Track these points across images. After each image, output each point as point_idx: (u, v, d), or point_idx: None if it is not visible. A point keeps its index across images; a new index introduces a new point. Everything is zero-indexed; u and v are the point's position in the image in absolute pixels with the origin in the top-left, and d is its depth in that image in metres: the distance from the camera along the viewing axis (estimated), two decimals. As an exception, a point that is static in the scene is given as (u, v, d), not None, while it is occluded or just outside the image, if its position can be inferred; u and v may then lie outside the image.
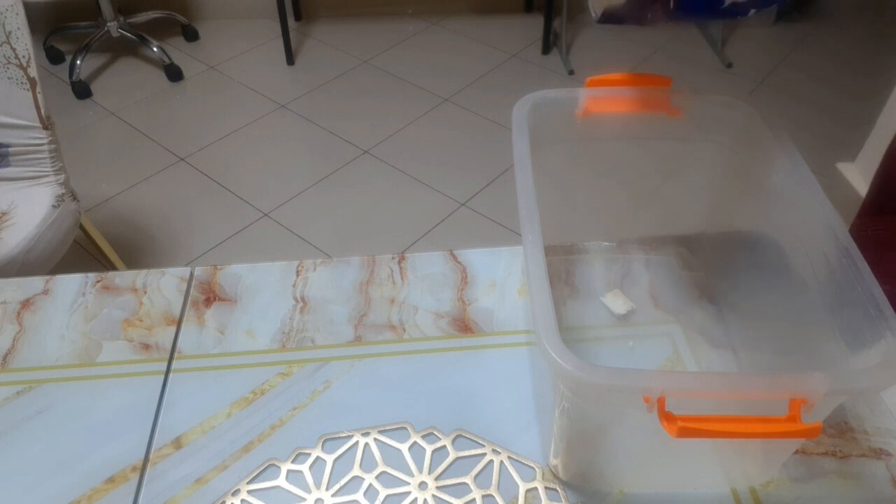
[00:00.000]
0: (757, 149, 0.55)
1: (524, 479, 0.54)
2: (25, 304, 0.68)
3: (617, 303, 0.65)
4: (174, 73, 2.45)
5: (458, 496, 0.53)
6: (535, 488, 0.53)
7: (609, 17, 0.51)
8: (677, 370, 0.60)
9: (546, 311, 0.42)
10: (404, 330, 0.65)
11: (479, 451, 0.56)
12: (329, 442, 0.56)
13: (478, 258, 0.72)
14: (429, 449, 0.56)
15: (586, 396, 0.44)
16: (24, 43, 1.17)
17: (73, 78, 2.34)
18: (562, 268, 0.69)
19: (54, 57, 2.54)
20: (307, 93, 2.38)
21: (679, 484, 0.53)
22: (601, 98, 0.56)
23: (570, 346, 0.40)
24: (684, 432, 0.38)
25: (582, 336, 0.63)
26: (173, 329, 0.65)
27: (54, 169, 1.28)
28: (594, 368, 0.39)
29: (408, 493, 0.53)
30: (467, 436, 0.57)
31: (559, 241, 0.71)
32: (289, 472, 0.54)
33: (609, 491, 0.53)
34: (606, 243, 0.71)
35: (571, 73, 2.42)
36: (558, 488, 0.53)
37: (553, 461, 0.53)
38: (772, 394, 0.39)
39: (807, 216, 0.49)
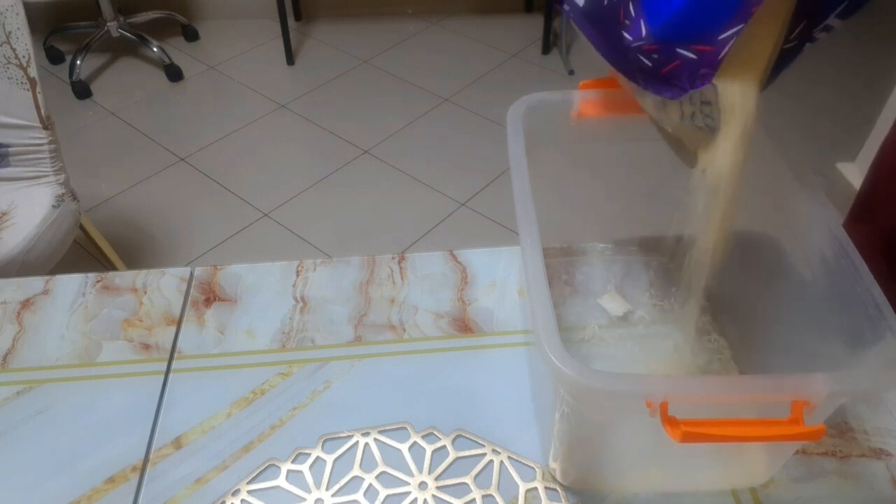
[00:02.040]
0: (755, 149, 0.55)
1: (524, 479, 0.54)
2: (25, 304, 0.68)
3: (614, 305, 0.65)
4: (174, 73, 2.45)
5: (457, 496, 0.53)
6: (535, 488, 0.53)
7: None
8: (679, 375, 0.59)
9: (546, 315, 0.41)
10: (404, 330, 0.65)
11: (479, 451, 0.56)
12: (329, 442, 0.56)
13: (478, 258, 0.72)
14: (429, 449, 0.56)
15: (587, 401, 0.44)
16: (24, 43, 1.17)
17: (73, 78, 2.34)
18: (560, 269, 0.69)
19: (54, 57, 2.54)
20: (307, 93, 2.38)
21: (679, 485, 0.53)
22: (596, 100, 0.55)
23: (568, 348, 0.40)
24: (688, 437, 0.38)
25: (580, 337, 0.63)
26: (173, 329, 0.65)
27: (54, 169, 1.28)
28: (596, 374, 0.39)
29: (408, 493, 0.53)
30: (467, 436, 0.57)
31: (557, 242, 0.71)
32: (289, 472, 0.54)
33: (609, 493, 0.53)
34: (605, 244, 0.71)
35: (571, 73, 2.42)
36: (558, 488, 0.53)
37: (552, 464, 0.53)
38: (774, 396, 0.39)
39: (806, 216, 0.49)
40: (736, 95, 0.42)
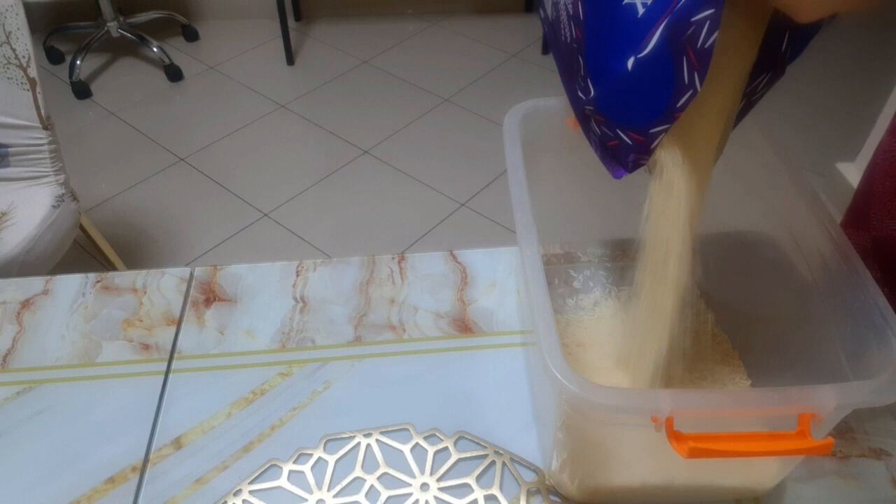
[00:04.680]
0: (753, 150, 0.55)
1: (526, 480, 0.54)
2: (25, 304, 0.68)
3: (612, 310, 0.65)
4: (174, 73, 2.45)
5: (459, 497, 0.53)
6: (537, 489, 0.53)
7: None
8: (685, 389, 0.59)
9: (548, 328, 0.41)
10: (404, 330, 0.65)
11: (481, 452, 0.55)
12: (331, 443, 0.56)
13: (478, 258, 0.72)
14: (431, 450, 0.56)
15: (592, 416, 0.43)
16: (24, 43, 1.17)
17: (73, 78, 2.34)
18: (559, 274, 0.68)
19: (54, 57, 2.54)
20: (307, 93, 2.38)
21: (683, 495, 0.52)
22: None
23: (565, 354, 0.39)
24: (695, 453, 0.38)
25: (579, 343, 0.63)
26: (173, 329, 0.65)
27: (54, 169, 1.28)
28: (601, 389, 0.38)
29: (409, 495, 0.53)
30: (469, 437, 0.56)
31: (556, 248, 0.70)
32: (290, 472, 0.54)
33: (610, 502, 0.53)
34: (604, 250, 0.70)
35: (571, 73, 2.42)
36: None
37: (552, 471, 0.52)
38: (781, 410, 0.38)
39: (805, 218, 0.49)
40: (676, 173, 0.42)
